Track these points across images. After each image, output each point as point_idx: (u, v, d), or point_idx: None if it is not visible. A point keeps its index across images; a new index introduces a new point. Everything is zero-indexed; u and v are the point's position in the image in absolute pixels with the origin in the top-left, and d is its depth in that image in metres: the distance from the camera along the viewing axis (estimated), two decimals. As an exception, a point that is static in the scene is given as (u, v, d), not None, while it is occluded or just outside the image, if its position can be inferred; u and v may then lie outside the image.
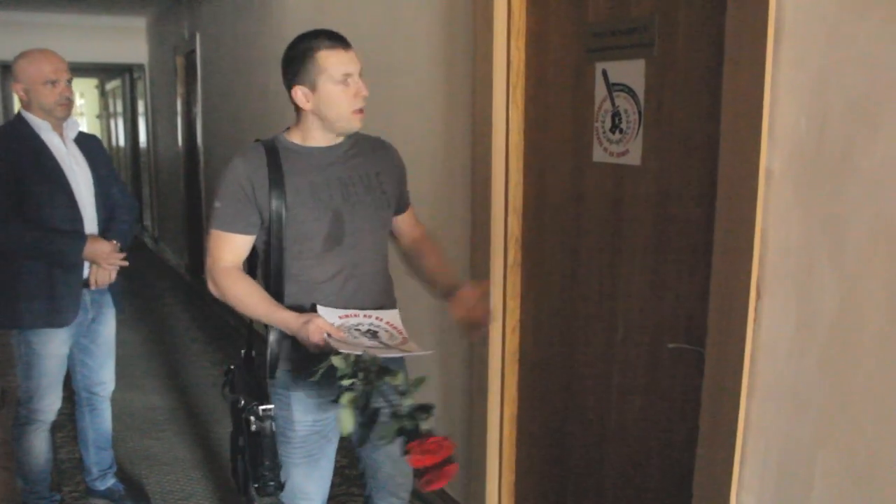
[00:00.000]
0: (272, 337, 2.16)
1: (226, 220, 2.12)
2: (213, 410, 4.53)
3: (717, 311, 1.87)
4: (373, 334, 2.09)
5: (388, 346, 2.03)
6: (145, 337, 6.23)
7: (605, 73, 2.28)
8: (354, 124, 2.15)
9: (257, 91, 5.46)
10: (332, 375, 1.92)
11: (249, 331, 2.46)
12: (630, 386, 2.31)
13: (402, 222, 2.39)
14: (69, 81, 2.99)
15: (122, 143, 13.58)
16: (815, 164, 1.64)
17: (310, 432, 2.22)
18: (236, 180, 2.11)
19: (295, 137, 2.18)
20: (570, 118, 2.44)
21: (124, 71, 11.71)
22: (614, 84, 2.25)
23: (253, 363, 2.39)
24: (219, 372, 5.05)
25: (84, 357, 3.23)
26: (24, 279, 2.92)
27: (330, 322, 2.05)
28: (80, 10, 8.66)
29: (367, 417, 1.95)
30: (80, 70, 10.85)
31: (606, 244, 2.35)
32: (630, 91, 2.19)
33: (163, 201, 10.23)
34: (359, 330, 2.08)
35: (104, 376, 3.32)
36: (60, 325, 2.99)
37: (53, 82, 2.92)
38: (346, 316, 2.11)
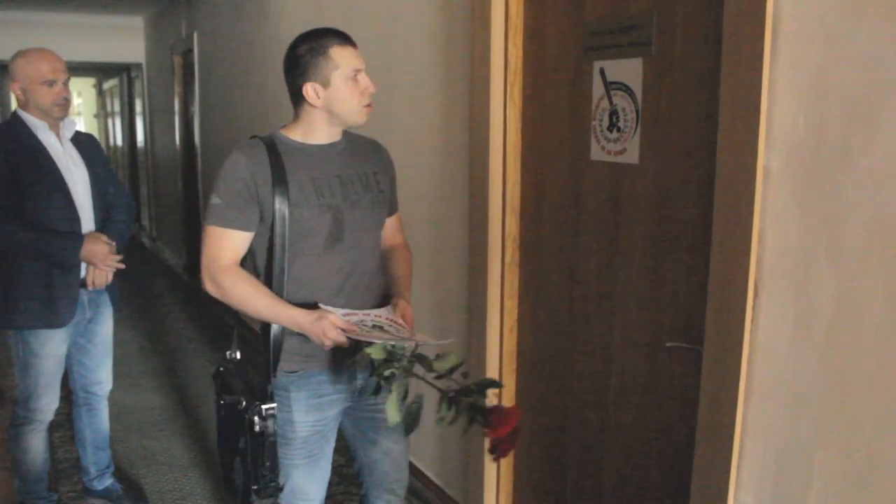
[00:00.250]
0: (274, 336, 2.15)
1: (225, 216, 2.09)
2: (211, 410, 4.51)
3: (715, 309, 1.87)
4: (381, 329, 2.09)
5: (404, 339, 2.03)
6: (143, 336, 6.23)
7: (602, 72, 2.28)
8: (363, 119, 2.16)
9: (255, 90, 5.45)
10: (370, 367, 1.95)
11: (238, 332, 2.44)
12: (628, 385, 2.31)
13: (388, 226, 2.38)
14: (66, 81, 2.99)
15: (119, 142, 13.55)
16: (812, 163, 1.64)
17: (311, 433, 2.21)
18: (238, 176, 2.08)
19: (295, 135, 2.17)
20: (568, 117, 2.44)
21: (122, 70, 11.69)
22: (612, 83, 2.25)
23: (248, 364, 2.38)
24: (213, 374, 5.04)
25: (81, 357, 3.23)
26: (21, 279, 2.92)
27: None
28: (77, 9, 8.64)
29: (409, 411, 1.94)
30: (77, 69, 10.85)
31: (604, 243, 2.35)
32: (628, 90, 2.19)
33: (160, 200, 10.22)
34: (366, 326, 2.08)
35: (102, 376, 3.31)
36: (58, 325, 2.99)
37: (51, 82, 2.91)
38: (349, 314, 2.12)
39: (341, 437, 2.37)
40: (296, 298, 2.13)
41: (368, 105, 2.15)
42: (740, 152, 1.76)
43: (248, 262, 2.18)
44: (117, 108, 13.22)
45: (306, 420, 2.20)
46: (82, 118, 16.77)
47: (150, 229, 11.31)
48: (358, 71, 2.11)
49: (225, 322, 6.20)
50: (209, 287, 2.14)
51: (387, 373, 1.93)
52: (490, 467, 2.92)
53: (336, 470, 3.41)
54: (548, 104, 2.54)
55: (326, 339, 2.00)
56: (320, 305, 2.10)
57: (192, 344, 6.04)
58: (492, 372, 2.83)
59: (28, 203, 2.87)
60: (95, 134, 4.09)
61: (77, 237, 2.93)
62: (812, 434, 1.69)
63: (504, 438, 1.81)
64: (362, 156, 2.27)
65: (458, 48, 2.87)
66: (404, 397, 1.95)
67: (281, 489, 2.19)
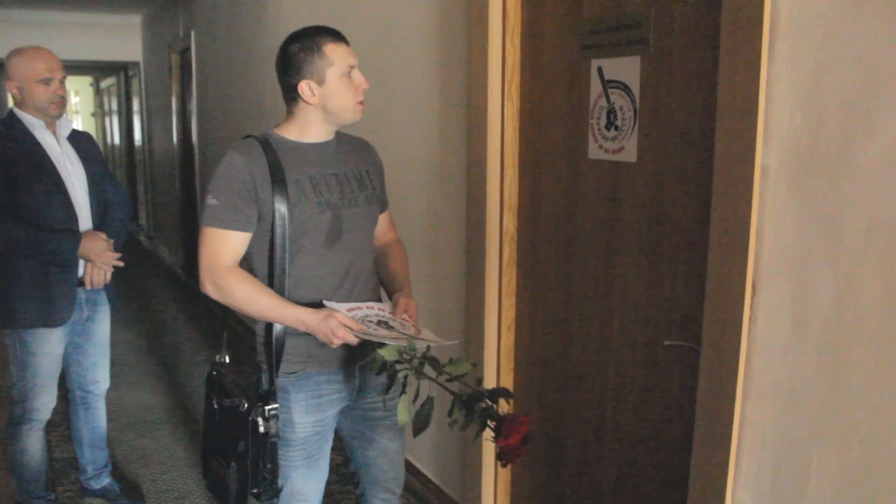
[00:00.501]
0: (277, 336, 2.14)
1: (224, 217, 2.07)
2: (209, 409, 4.52)
3: (712, 308, 1.87)
4: (386, 325, 2.08)
5: (412, 337, 2.03)
6: (140, 335, 6.22)
7: (600, 70, 2.28)
8: (357, 115, 2.16)
9: (252, 89, 5.45)
10: (380, 368, 1.95)
11: (226, 336, 2.43)
12: (626, 383, 2.31)
13: (380, 223, 2.38)
14: (63, 80, 2.98)
15: (117, 141, 13.54)
16: (810, 160, 1.64)
17: (311, 433, 2.21)
18: (236, 176, 2.07)
19: (289, 133, 2.17)
20: (566, 115, 2.44)
21: (119, 69, 11.68)
22: (609, 81, 2.25)
23: (235, 367, 2.37)
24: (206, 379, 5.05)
25: (78, 356, 3.22)
26: (18, 278, 2.91)
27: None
28: (74, 7, 8.63)
29: (419, 413, 1.94)
30: (74, 68, 10.86)
31: (602, 241, 2.35)
32: (625, 88, 2.19)
33: (158, 199, 10.21)
34: (371, 321, 2.08)
35: (99, 375, 3.31)
36: (55, 324, 2.98)
37: (47, 80, 2.91)
38: (353, 309, 2.11)
39: (338, 436, 2.37)
40: (295, 297, 2.12)
41: (361, 102, 2.16)
42: (738, 150, 1.75)
43: (243, 262, 2.17)
44: (115, 106, 13.21)
45: (306, 421, 2.19)
46: (79, 117, 16.75)
47: (147, 228, 11.30)
48: (352, 67, 2.12)
49: (223, 321, 6.19)
50: (209, 290, 2.10)
51: (400, 374, 1.93)
52: (488, 466, 2.92)
53: (334, 469, 3.40)
54: (545, 103, 2.54)
55: (335, 337, 1.99)
56: (324, 302, 2.09)
57: (189, 342, 6.04)
58: (489, 370, 2.83)
59: (25, 202, 2.86)
60: (93, 133, 4.07)
61: (75, 234, 2.92)
62: (809, 432, 1.69)
63: (514, 446, 1.81)
64: (354, 154, 2.27)
65: (456, 47, 2.87)
66: (416, 398, 1.94)
67: (280, 491, 2.19)
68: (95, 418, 3.36)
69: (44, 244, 2.85)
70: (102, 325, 3.25)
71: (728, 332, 1.82)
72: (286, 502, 2.23)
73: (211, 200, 2.08)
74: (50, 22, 8.72)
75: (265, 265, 2.15)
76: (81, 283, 3.01)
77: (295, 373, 2.17)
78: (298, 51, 2.09)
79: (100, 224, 3.07)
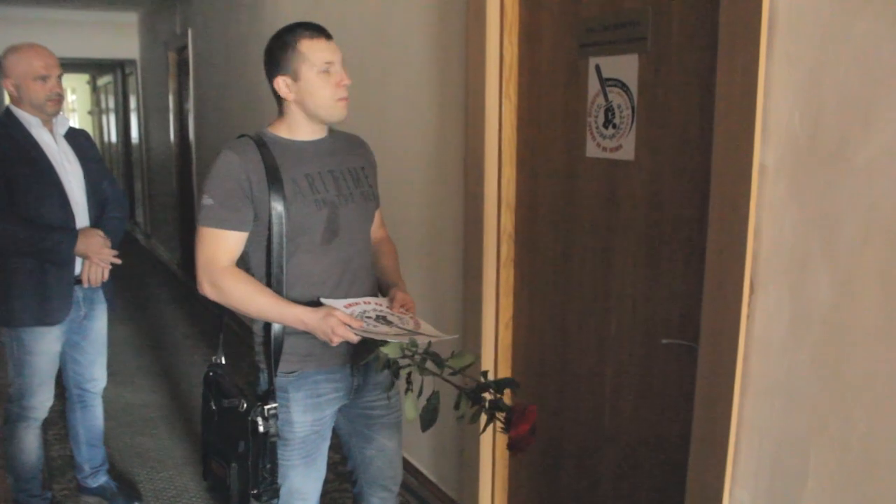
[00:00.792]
0: (276, 336, 2.14)
1: (220, 217, 2.07)
2: (206, 407, 4.52)
3: (710, 306, 1.87)
4: (384, 320, 2.08)
5: (411, 333, 2.03)
6: (137, 333, 6.22)
7: (598, 68, 2.28)
8: (338, 113, 2.13)
9: (249, 87, 5.44)
10: (384, 366, 1.95)
11: (222, 337, 2.42)
12: (624, 381, 2.31)
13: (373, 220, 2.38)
14: (59, 77, 2.97)
15: (113, 139, 13.52)
16: (808, 159, 1.64)
17: (309, 432, 2.20)
18: (231, 175, 2.06)
19: (281, 131, 2.17)
20: (564, 113, 2.44)
21: (116, 66, 11.66)
22: (607, 79, 2.25)
23: (232, 368, 2.36)
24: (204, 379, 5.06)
25: (75, 354, 3.22)
26: (15, 277, 2.91)
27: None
28: (71, 5, 8.61)
29: (426, 408, 1.94)
30: (71, 65, 10.84)
31: (600, 239, 2.35)
32: (623, 86, 2.19)
33: (155, 197, 10.20)
34: (370, 317, 2.07)
35: (96, 373, 3.30)
36: (52, 322, 2.98)
37: (44, 78, 2.90)
38: (351, 305, 2.11)
39: (335, 435, 2.37)
40: (293, 295, 2.12)
41: (343, 98, 2.12)
42: (736, 149, 1.75)
43: (241, 261, 2.16)
44: (112, 104, 13.18)
45: (304, 420, 2.19)
46: (76, 115, 16.72)
47: (144, 226, 11.29)
48: (329, 63, 2.08)
49: (220, 320, 6.19)
50: (207, 290, 2.10)
51: (405, 371, 1.93)
52: (485, 464, 2.92)
53: (331, 467, 3.40)
54: (543, 101, 2.54)
55: (335, 336, 1.98)
56: (322, 300, 2.09)
57: (187, 340, 6.03)
58: (487, 368, 2.82)
59: (22, 200, 2.85)
60: (90, 131, 4.07)
61: (72, 232, 2.92)
62: (807, 430, 1.69)
63: (525, 436, 1.82)
64: (349, 151, 2.27)
65: (454, 45, 2.87)
66: (420, 394, 1.94)
67: (279, 490, 2.18)
68: (92, 416, 3.36)
69: (41, 242, 2.85)
70: (99, 323, 3.24)
71: (726, 331, 1.82)
72: (285, 501, 2.22)
73: (207, 200, 2.07)
74: (47, 19, 8.70)
75: (262, 264, 2.14)
76: (78, 281, 3.01)
77: (293, 372, 2.17)
78: (275, 47, 2.10)
79: (96, 222, 3.07)
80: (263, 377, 2.18)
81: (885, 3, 1.48)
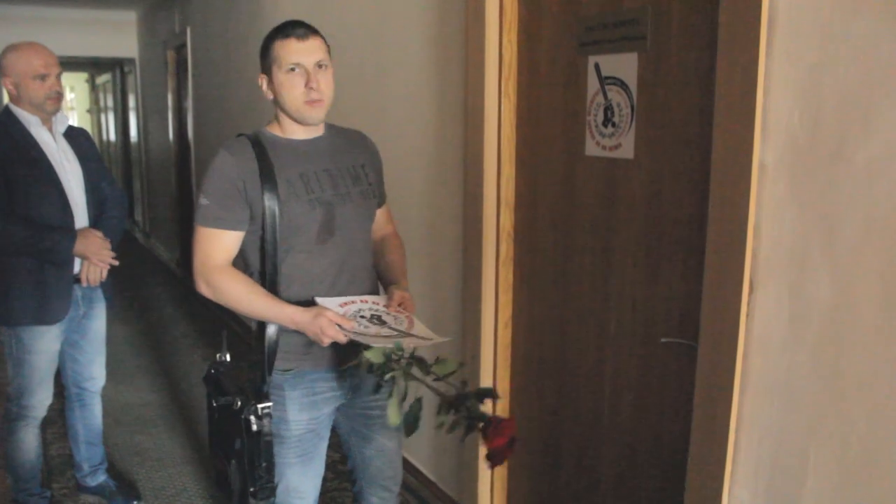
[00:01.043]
0: (269, 335, 2.14)
1: (215, 216, 2.08)
2: (205, 406, 4.51)
3: (710, 305, 1.87)
4: (378, 319, 2.08)
5: (402, 334, 2.02)
6: (136, 332, 6.21)
7: (597, 67, 2.27)
8: (307, 114, 2.11)
9: (248, 85, 5.43)
10: (368, 370, 1.94)
11: (226, 334, 2.43)
12: (623, 380, 2.31)
13: (378, 217, 2.37)
14: (59, 75, 2.97)
15: (112, 137, 13.51)
16: (808, 158, 1.64)
17: (305, 431, 2.20)
18: (225, 175, 2.07)
19: (276, 130, 2.18)
20: (563, 112, 2.44)
21: (115, 65, 11.65)
22: (607, 77, 2.25)
23: (237, 365, 2.36)
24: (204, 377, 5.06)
25: (74, 352, 3.21)
26: (15, 275, 2.90)
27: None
28: (70, 3, 8.60)
29: (409, 413, 1.93)
30: (70, 64, 10.82)
31: (599, 238, 2.35)
32: (623, 84, 2.19)
33: (154, 196, 10.19)
34: (364, 317, 2.07)
35: (94, 372, 3.30)
36: (51, 321, 2.98)
37: (43, 76, 2.90)
38: (346, 304, 2.11)
39: (335, 434, 2.37)
40: (289, 295, 2.12)
41: (313, 101, 2.09)
42: (736, 147, 1.75)
43: (238, 261, 2.17)
44: (110, 103, 13.17)
45: (300, 418, 2.19)
46: (75, 113, 16.71)
47: (143, 225, 11.28)
48: (297, 64, 2.07)
49: (219, 318, 6.19)
50: (203, 289, 2.12)
51: (387, 376, 1.93)
52: (485, 464, 2.91)
53: (330, 466, 3.40)
54: (542, 99, 2.53)
55: (324, 336, 1.98)
56: (316, 299, 2.09)
57: (185, 339, 6.03)
58: (486, 367, 2.82)
59: (21, 199, 2.85)
60: (89, 129, 4.07)
61: (70, 232, 2.91)
62: (807, 429, 1.69)
63: (502, 448, 1.81)
64: (349, 148, 2.26)
65: (453, 43, 2.86)
66: (404, 398, 1.94)
67: (276, 489, 2.18)
68: (91, 415, 3.36)
69: (40, 242, 2.85)
70: (98, 322, 3.24)
71: (726, 329, 1.82)
72: (282, 499, 2.23)
73: (203, 200, 2.09)
74: (45, 18, 8.69)
75: (258, 263, 2.14)
76: (77, 280, 3.01)
77: (290, 370, 2.17)
78: (261, 46, 2.13)
79: (96, 221, 3.07)
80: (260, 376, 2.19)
81: (885, 1, 1.48)
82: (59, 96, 2.96)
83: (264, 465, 2.14)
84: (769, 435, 1.78)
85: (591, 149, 2.33)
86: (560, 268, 2.52)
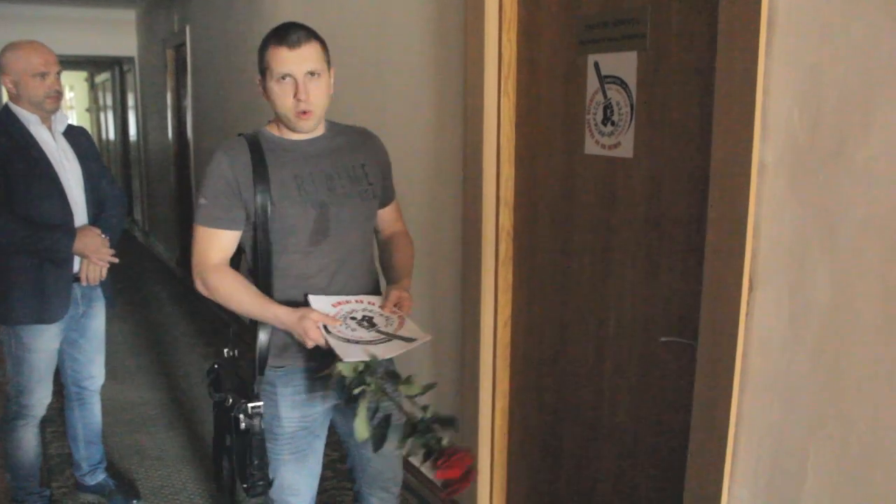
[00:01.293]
0: (262, 334, 2.15)
1: (211, 215, 2.10)
2: (204, 404, 4.50)
3: (709, 304, 1.87)
4: (369, 321, 2.08)
5: (388, 336, 2.02)
6: (135, 331, 6.21)
7: (596, 66, 2.27)
8: (296, 125, 2.10)
9: (247, 84, 5.43)
10: (340, 381, 1.94)
11: (234, 329, 2.44)
12: (623, 379, 2.31)
13: (385, 215, 2.37)
14: (58, 74, 2.97)
15: (111, 136, 13.51)
16: (808, 157, 1.64)
17: (297, 428, 2.21)
18: (220, 175, 2.09)
19: (274, 130, 2.18)
20: (562, 111, 2.44)
21: (114, 64, 11.65)
22: (606, 76, 2.24)
23: (238, 361, 2.37)
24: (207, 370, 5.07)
25: (73, 351, 3.21)
26: (14, 274, 2.90)
27: (324, 312, 2.04)
28: (69, 2, 8.60)
29: (378, 427, 1.94)
30: (69, 63, 10.82)
31: (598, 237, 2.35)
32: (622, 83, 2.19)
33: (153, 195, 10.19)
34: (354, 318, 2.07)
35: (94, 370, 3.30)
36: (51, 320, 2.98)
37: (42, 74, 2.89)
38: (339, 303, 2.11)
39: (334, 433, 2.37)
40: (284, 295, 2.12)
41: (303, 112, 2.06)
42: (735, 146, 1.75)
43: (244, 259, 2.19)
44: (109, 102, 13.17)
45: (292, 416, 2.20)
46: (74, 112, 16.70)
47: (142, 223, 11.28)
48: (287, 74, 2.04)
49: (218, 317, 6.19)
50: (199, 286, 2.14)
51: (356, 391, 1.92)
52: (484, 463, 2.92)
53: (329, 465, 3.40)
54: (542, 98, 2.53)
55: (307, 338, 1.99)
56: (309, 297, 2.09)
57: (185, 338, 6.02)
58: (485, 366, 2.83)
59: (20, 198, 2.85)
60: (88, 128, 4.06)
61: (70, 230, 2.91)
62: (806, 428, 1.69)
63: (454, 480, 1.81)
64: (349, 148, 2.24)
65: (452, 42, 2.86)
66: (375, 412, 1.94)
67: (270, 485, 2.19)
68: (90, 414, 3.36)
69: (39, 240, 2.84)
70: (98, 320, 3.24)
71: (725, 328, 1.82)
72: (277, 494, 2.24)
73: (201, 200, 2.12)
74: (44, 17, 8.68)
75: (253, 262, 2.16)
76: (77, 279, 3.01)
77: (282, 367, 2.18)
78: (259, 47, 2.11)
79: (95, 220, 3.06)
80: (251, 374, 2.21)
81: (885, 1, 1.48)
82: (59, 95, 2.96)
83: (256, 462, 2.14)
84: (769, 434, 1.78)
85: (591, 147, 2.33)
86: (559, 267, 2.52)
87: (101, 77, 13.72)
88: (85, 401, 3.33)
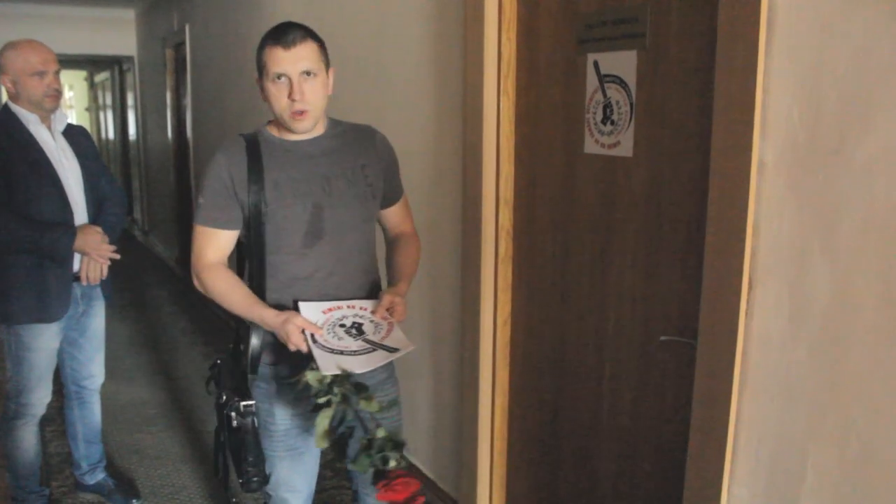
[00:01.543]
0: (254, 332, 2.15)
1: (209, 215, 2.11)
2: (204, 404, 4.51)
3: (709, 303, 1.87)
4: (358, 328, 2.07)
5: (373, 346, 2.02)
6: (135, 330, 6.21)
7: (596, 65, 2.27)
8: (292, 125, 2.09)
9: (247, 83, 5.43)
10: (307, 389, 1.95)
11: (238, 325, 2.44)
12: (622, 379, 2.31)
13: (392, 215, 2.35)
14: (57, 73, 2.97)
15: (111, 135, 13.50)
16: (807, 155, 1.64)
17: (291, 426, 2.22)
18: (218, 175, 2.09)
19: (273, 130, 2.17)
20: (562, 110, 2.44)
21: (113, 63, 11.64)
22: (606, 75, 2.24)
23: (240, 358, 2.38)
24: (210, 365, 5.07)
25: (73, 350, 3.21)
26: (14, 274, 2.90)
27: (314, 320, 2.04)
28: (68, 1, 8.60)
29: (339, 438, 1.95)
30: (68, 62, 10.81)
31: (598, 236, 2.34)
32: (622, 82, 2.19)
33: (153, 194, 10.19)
34: (343, 325, 2.06)
35: (93, 370, 3.30)
36: (50, 319, 2.98)
37: (41, 73, 2.89)
38: (330, 309, 2.10)
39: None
40: (278, 296, 2.13)
41: (298, 113, 2.05)
42: (735, 145, 1.75)
43: (245, 259, 2.20)
44: (109, 101, 13.16)
45: (285, 413, 2.20)
46: (74, 111, 16.70)
47: (142, 222, 11.28)
48: (282, 74, 2.03)
49: (218, 316, 6.19)
50: (196, 284, 2.17)
51: (321, 400, 1.92)
52: (484, 462, 2.91)
53: (329, 464, 3.41)
54: (541, 97, 2.53)
55: (290, 342, 2.00)
56: (299, 303, 2.09)
57: (184, 337, 6.03)
58: (485, 366, 2.82)
59: (20, 197, 2.85)
60: (87, 127, 4.05)
61: (70, 228, 2.91)
62: (806, 427, 1.69)
63: (399, 502, 1.82)
64: (350, 148, 2.21)
65: (452, 41, 2.86)
66: (340, 422, 1.95)
67: (266, 481, 2.19)
68: (90, 413, 3.36)
69: (39, 239, 2.84)
70: (97, 319, 3.24)
71: (725, 327, 1.82)
72: (273, 490, 2.26)
73: (199, 199, 2.13)
74: (44, 16, 8.68)
75: (249, 263, 2.18)
76: (77, 277, 3.00)
77: (276, 364, 2.18)
78: (257, 47, 2.10)
79: (95, 219, 3.06)
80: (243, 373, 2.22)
81: (885, 1, 1.48)
82: (58, 94, 2.96)
83: (250, 459, 2.15)
84: (768, 433, 1.78)
85: (590, 147, 2.33)
86: (559, 266, 2.52)
87: (101, 76, 13.72)
88: (85, 400, 3.33)
